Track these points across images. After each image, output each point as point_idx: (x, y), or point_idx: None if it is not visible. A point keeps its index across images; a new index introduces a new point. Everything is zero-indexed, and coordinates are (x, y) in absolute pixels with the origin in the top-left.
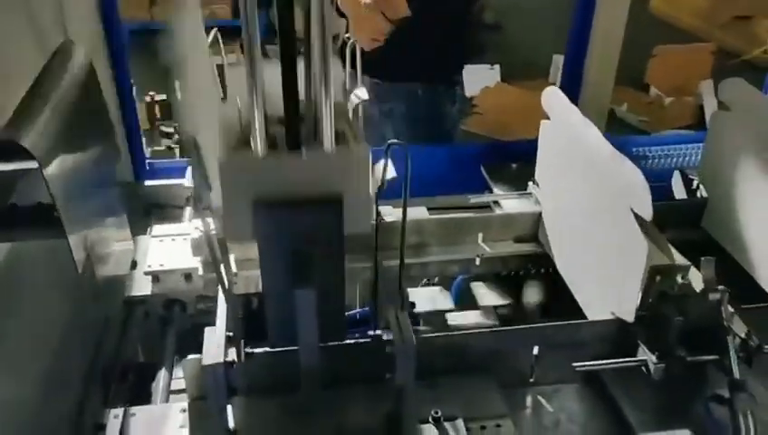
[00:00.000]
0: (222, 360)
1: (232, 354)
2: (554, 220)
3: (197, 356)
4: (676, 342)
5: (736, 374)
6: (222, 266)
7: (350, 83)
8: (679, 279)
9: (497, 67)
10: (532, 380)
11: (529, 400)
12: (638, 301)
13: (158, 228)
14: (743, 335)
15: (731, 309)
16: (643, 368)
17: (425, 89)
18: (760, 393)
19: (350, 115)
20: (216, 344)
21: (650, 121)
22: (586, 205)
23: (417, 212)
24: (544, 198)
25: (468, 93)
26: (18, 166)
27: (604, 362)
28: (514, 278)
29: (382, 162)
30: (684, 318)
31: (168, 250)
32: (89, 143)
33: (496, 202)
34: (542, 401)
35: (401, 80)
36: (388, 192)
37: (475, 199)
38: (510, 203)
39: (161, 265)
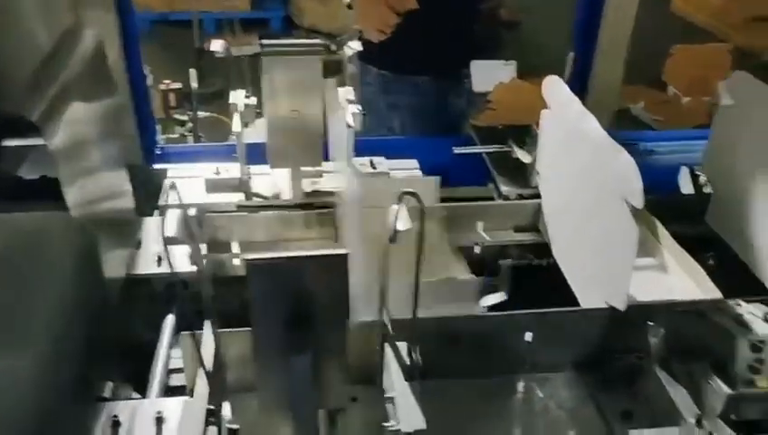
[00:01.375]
0: None
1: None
2: (552, 209)
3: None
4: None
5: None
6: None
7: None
8: None
9: (513, 63)
10: (524, 366)
11: (520, 386)
12: (628, 290)
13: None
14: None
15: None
16: (637, 363)
17: (431, 82)
18: None
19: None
20: (193, 423)
21: (666, 120)
22: (582, 194)
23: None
24: (544, 186)
25: (476, 89)
26: (26, 141)
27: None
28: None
29: (394, 208)
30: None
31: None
32: (96, 122)
33: (497, 189)
34: (534, 386)
35: (408, 72)
36: None
37: (459, 151)
38: (509, 192)
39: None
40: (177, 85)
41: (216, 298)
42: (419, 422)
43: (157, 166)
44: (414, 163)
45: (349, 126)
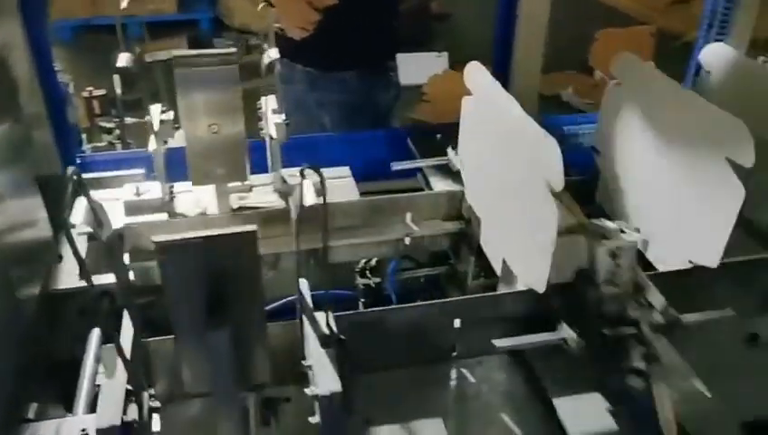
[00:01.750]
0: (119, 422)
1: (133, 412)
2: (476, 194)
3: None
4: (594, 315)
5: (651, 347)
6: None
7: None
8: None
9: (445, 55)
10: (454, 353)
11: (453, 372)
12: (547, 271)
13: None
14: (659, 307)
15: (647, 282)
16: (564, 344)
17: (358, 77)
18: (676, 363)
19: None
20: (111, 402)
21: (596, 104)
22: (504, 178)
23: (347, 194)
24: (466, 173)
25: (404, 81)
26: None
27: (523, 338)
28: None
29: (297, 189)
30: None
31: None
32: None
33: (424, 176)
34: (465, 372)
35: (334, 68)
36: None
37: (397, 167)
38: (437, 184)
39: (87, 257)
40: (101, 92)
41: (147, 306)
42: (335, 385)
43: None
44: (346, 170)
45: (271, 138)
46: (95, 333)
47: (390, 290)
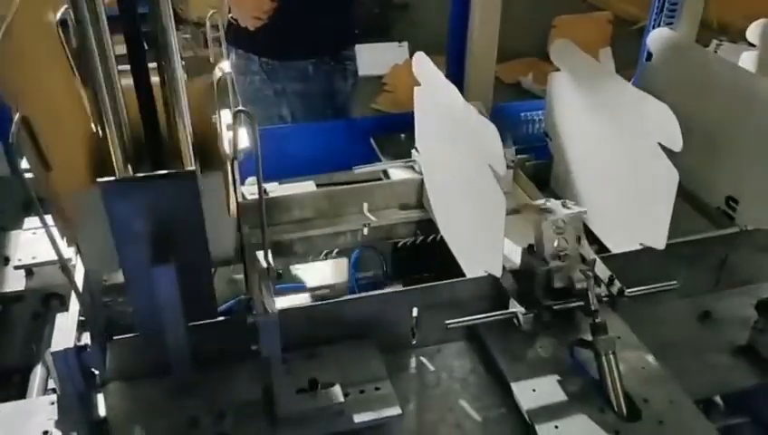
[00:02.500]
0: (72, 345)
1: (86, 339)
2: (433, 183)
3: None
4: (543, 292)
5: (598, 318)
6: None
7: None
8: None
9: (405, 44)
10: (413, 341)
11: (412, 361)
12: (501, 256)
13: (30, 221)
14: (605, 280)
15: (593, 255)
16: (514, 320)
17: (315, 66)
18: (626, 336)
19: (215, 89)
20: (66, 329)
21: None
22: (454, 165)
23: (304, 187)
24: (423, 162)
25: (362, 72)
26: None
27: (475, 316)
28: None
29: (230, 133)
30: (549, 269)
31: (43, 243)
32: None
33: (385, 172)
34: (424, 360)
35: (291, 58)
36: (273, 168)
37: (359, 170)
38: (395, 172)
39: (34, 257)
40: None
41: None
42: (273, 309)
43: (25, 176)
44: (310, 185)
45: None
46: (46, 335)
47: (352, 282)
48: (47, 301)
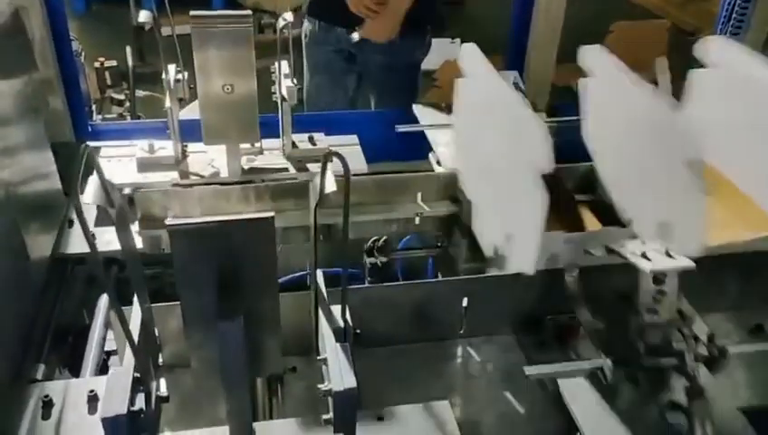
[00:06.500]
0: (125, 411)
1: (140, 402)
2: (468, 177)
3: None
4: (635, 344)
5: (694, 380)
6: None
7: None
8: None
9: (458, 41)
10: (461, 331)
11: (458, 350)
12: (536, 254)
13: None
14: (704, 338)
15: (691, 310)
16: (599, 373)
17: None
18: (722, 398)
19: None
20: (118, 390)
21: None
22: (497, 160)
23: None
24: (459, 155)
25: (424, 66)
26: None
27: (556, 366)
28: None
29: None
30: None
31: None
32: (13, 96)
33: (438, 162)
34: (470, 351)
35: None
36: None
37: (401, 129)
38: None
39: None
40: (112, 63)
41: (157, 276)
42: (350, 381)
43: (90, 143)
44: (354, 139)
45: (284, 99)
46: (104, 299)
47: (398, 268)
48: (107, 266)
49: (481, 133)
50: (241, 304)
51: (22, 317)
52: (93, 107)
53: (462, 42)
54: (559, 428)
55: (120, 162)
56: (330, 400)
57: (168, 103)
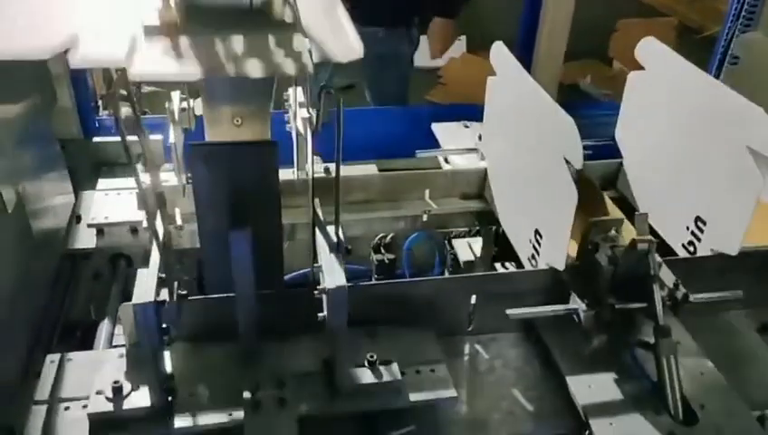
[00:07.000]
0: (152, 299)
1: (164, 295)
2: (498, 175)
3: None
4: (606, 290)
5: (661, 321)
6: (158, 217)
7: None
8: (613, 232)
9: (464, 38)
10: (469, 328)
11: (466, 347)
12: (566, 250)
13: (103, 182)
14: (670, 285)
15: (658, 259)
16: (574, 316)
17: (386, 32)
18: (685, 341)
19: None
20: (146, 284)
21: (614, 94)
22: (525, 158)
23: (366, 169)
24: (489, 153)
25: (418, 63)
26: None
27: (535, 309)
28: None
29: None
30: (614, 267)
31: (114, 204)
32: (20, 91)
33: (446, 160)
34: (479, 348)
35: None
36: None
37: (422, 155)
38: (457, 160)
39: (106, 217)
40: None
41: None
42: (341, 281)
43: (96, 139)
44: (373, 168)
45: (299, 134)
46: (113, 293)
47: (406, 265)
48: (115, 260)
49: (512, 131)
50: (249, 218)
51: (31, 312)
52: (100, 103)
53: (467, 39)
54: (568, 425)
55: (119, 196)
56: (324, 298)
57: (171, 138)
